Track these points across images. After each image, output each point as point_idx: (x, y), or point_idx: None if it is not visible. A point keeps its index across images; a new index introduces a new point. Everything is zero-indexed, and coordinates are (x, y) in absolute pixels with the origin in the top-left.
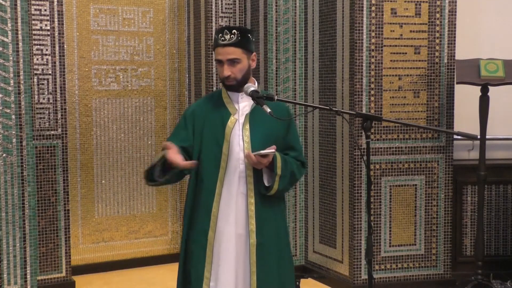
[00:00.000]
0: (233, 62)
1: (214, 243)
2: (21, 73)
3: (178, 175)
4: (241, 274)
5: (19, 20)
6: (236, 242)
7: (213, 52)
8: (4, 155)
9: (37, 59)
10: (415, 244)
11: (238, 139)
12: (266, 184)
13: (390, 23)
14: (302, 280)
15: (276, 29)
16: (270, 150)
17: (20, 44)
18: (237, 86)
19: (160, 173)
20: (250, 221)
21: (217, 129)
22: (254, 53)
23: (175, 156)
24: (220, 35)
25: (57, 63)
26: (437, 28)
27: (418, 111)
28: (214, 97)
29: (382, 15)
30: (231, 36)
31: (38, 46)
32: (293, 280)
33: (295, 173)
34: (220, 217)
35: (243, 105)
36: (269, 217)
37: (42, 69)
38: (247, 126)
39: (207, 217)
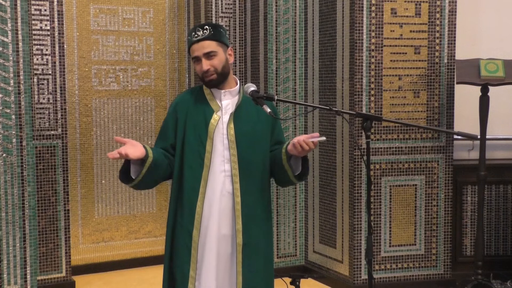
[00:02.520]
0: (209, 55)
1: (199, 242)
2: (21, 73)
3: (158, 172)
4: (226, 275)
5: (19, 20)
6: (219, 242)
7: (189, 54)
8: (4, 155)
9: (37, 59)
10: (415, 244)
11: (222, 137)
12: (296, 172)
13: (390, 23)
14: (302, 280)
15: (276, 29)
16: (322, 137)
17: (20, 44)
18: (218, 80)
19: (135, 172)
20: (236, 220)
21: (199, 126)
22: (230, 48)
23: (129, 150)
24: (193, 33)
25: (57, 63)
26: (437, 28)
27: (418, 111)
28: (195, 92)
29: (382, 15)
30: (204, 31)
31: (38, 46)
32: (273, 281)
33: None
34: (205, 216)
35: (226, 102)
36: (256, 216)
37: (42, 69)
38: (232, 125)
39: (191, 216)
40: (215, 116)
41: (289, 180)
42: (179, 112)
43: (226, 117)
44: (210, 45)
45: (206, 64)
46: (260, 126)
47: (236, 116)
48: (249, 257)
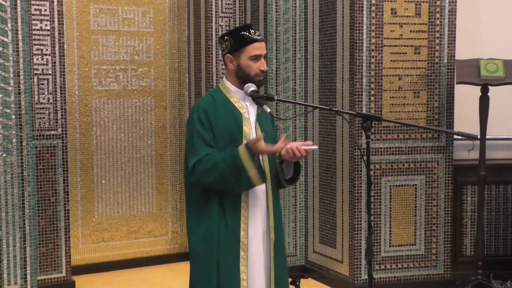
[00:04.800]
0: (265, 57)
1: (248, 243)
2: (21, 73)
3: None
4: (263, 271)
5: (19, 20)
6: (262, 239)
7: (243, 49)
8: (4, 155)
9: (37, 59)
10: (415, 244)
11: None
12: (287, 176)
13: (390, 23)
14: (302, 280)
15: (276, 29)
16: (314, 146)
17: (20, 44)
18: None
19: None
20: (270, 218)
21: (231, 129)
22: None
23: (264, 146)
24: (252, 31)
25: (57, 63)
26: (437, 28)
27: (418, 111)
28: (217, 95)
29: (382, 15)
30: (259, 32)
31: (38, 46)
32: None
33: None
34: (250, 219)
35: (249, 103)
36: (279, 212)
37: (42, 69)
38: (258, 125)
39: (237, 218)
40: (244, 117)
41: (279, 183)
42: (210, 116)
43: (252, 118)
44: (265, 47)
45: (265, 65)
46: (270, 126)
47: (258, 116)
48: (278, 252)
